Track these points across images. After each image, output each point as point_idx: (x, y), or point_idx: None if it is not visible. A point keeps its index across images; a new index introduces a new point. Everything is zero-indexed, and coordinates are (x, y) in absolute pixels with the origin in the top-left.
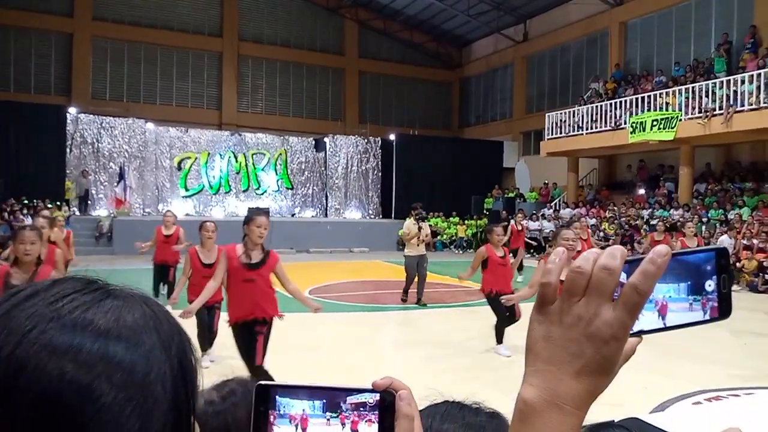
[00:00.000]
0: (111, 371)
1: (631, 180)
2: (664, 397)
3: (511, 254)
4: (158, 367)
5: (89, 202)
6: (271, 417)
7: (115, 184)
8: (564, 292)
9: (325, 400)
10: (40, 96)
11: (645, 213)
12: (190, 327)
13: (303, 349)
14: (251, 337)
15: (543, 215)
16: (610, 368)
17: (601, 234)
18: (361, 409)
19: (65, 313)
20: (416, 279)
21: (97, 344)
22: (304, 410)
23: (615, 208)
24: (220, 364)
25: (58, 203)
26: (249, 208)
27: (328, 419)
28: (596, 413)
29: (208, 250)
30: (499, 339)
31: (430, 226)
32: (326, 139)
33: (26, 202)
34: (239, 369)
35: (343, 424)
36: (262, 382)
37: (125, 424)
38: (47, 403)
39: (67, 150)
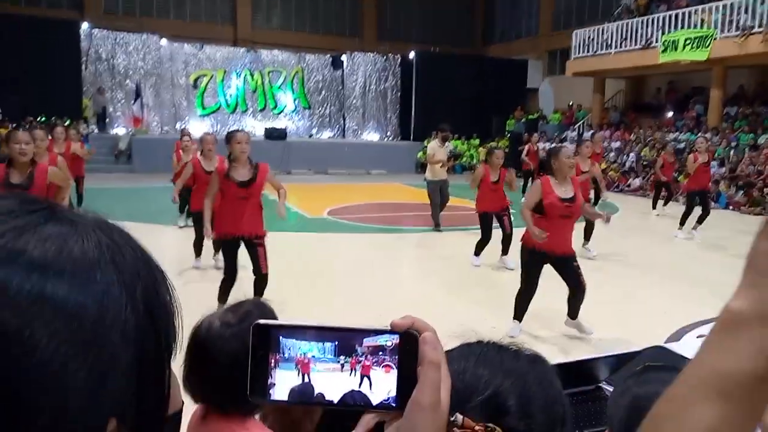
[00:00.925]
0: (49, 316)
1: (659, 102)
2: (682, 324)
3: (521, 175)
4: (116, 310)
5: (107, 120)
6: (272, 361)
7: (132, 102)
8: None
9: (336, 342)
10: (52, 10)
11: (671, 136)
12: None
13: (318, 272)
14: (249, 250)
15: (566, 137)
16: None
17: (631, 158)
18: (380, 353)
19: None
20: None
21: (31, 281)
22: (306, 353)
23: (641, 131)
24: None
25: (75, 121)
26: (266, 128)
27: (342, 364)
28: (615, 338)
29: (209, 159)
30: (477, 252)
31: (450, 150)
32: (344, 57)
33: (43, 120)
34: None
35: (353, 370)
36: (261, 321)
37: (70, 383)
38: None
39: (83, 67)
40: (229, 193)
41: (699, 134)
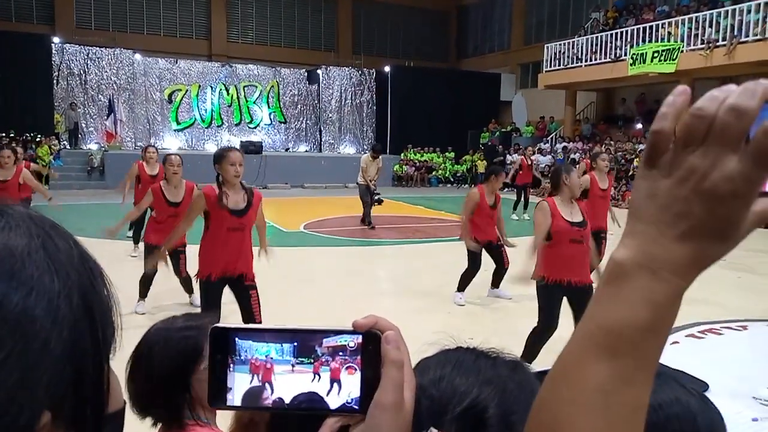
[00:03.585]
0: None
1: (630, 114)
2: None
3: (517, 191)
4: (47, 299)
5: (80, 135)
6: (231, 365)
7: (105, 117)
8: (677, 139)
9: (296, 343)
10: (22, 24)
11: (641, 147)
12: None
13: (295, 282)
14: (238, 294)
15: (539, 149)
16: (727, 232)
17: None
18: (341, 353)
19: None
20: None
21: None
22: (264, 356)
23: (612, 142)
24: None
25: (45, 137)
26: (241, 142)
27: (293, 366)
28: None
29: (174, 186)
30: (462, 287)
31: (425, 161)
32: (319, 71)
33: (13, 136)
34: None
35: (318, 375)
36: (218, 325)
37: None
38: None
39: (54, 82)
40: (222, 224)
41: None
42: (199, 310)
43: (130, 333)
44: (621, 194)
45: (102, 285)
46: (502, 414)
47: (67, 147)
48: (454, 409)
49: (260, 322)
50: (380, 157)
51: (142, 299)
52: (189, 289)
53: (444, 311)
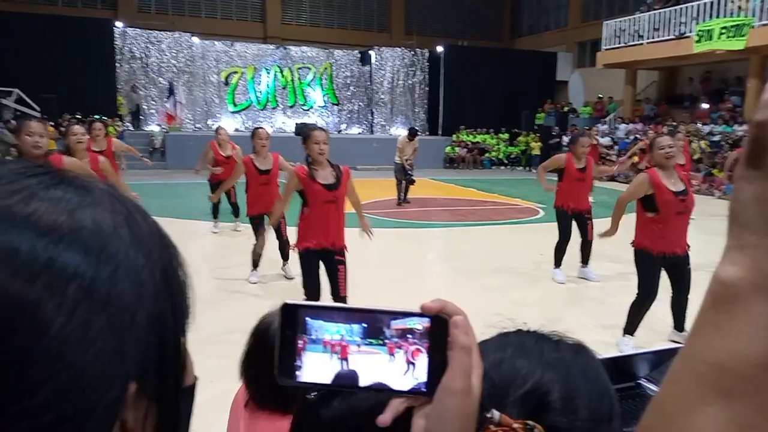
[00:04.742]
0: (61, 284)
1: (693, 94)
2: None
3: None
4: (133, 277)
5: (141, 117)
6: (300, 342)
7: (165, 99)
8: None
9: (365, 325)
10: (87, 10)
11: (706, 128)
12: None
13: (349, 263)
14: (328, 267)
15: (597, 131)
16: None
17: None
18: (409, 336)
19: None
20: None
21: (41, 246)
22: (334, 336)
23: (674, 123)
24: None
25: (109, 119)
26: (296, 124)
27: (360, 346)
28: (654, 333)
29: (263, 157)
30: (558, 263)
31: (477, 142)
32: (372, 52)
33: (79, 117)
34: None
35: (392, 356)
36: (290, 301)
37: (85, 354)
38: None
39: (117, 65)
40: (317, 198)
41: (744, 130)
42: (290, 281)
43: (248, 299)
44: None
45: (179, 264)
46: (566, 398)
47: (130, 128)
48: (516, 391)
49: (344, 295)
50: (416, 138)
51: (255, 269)
52: (285, 255)
53: (499, 293)
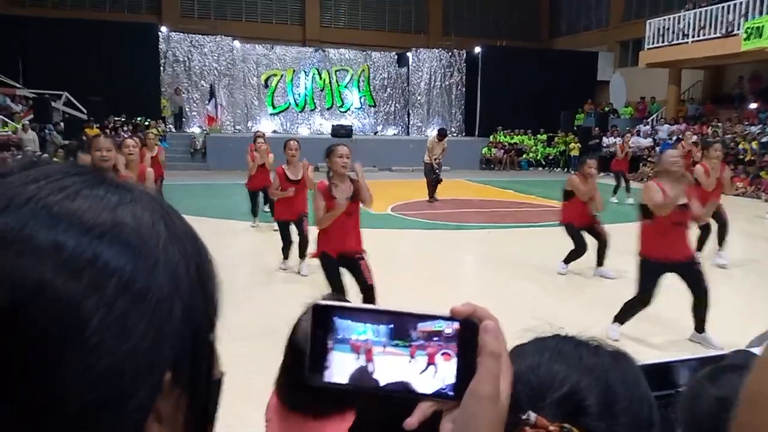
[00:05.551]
0: (103, 279)
1: (741, 93)
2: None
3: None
4: (170, 271)
5: (183, 119)
6: (329, 342)
7: (207, 102)
8: None
9: (392, 326)
10: (132, 15)
11: (754, 129)
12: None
13: (380, 263)
14: (350, 267)
15: (638, 131)
16: None
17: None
18: (435, 339)
19: (43, 196)
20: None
21: (85, 242)
22: (360, 336)
23: (720, 124)
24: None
25: (153, 121)
26: (333, 126)
27: (385, 347)
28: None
29: (293, 166)
30: (567, 261)
31: (515, 143)
32: (409, 54)
33: (124, 119)
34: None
35: (413, 358)
36: (321, 302)
37: (124, 344)
38: (9, 320)
39: (161, 68)
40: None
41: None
42: (303, 278)
43: (277, 287)
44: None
45: (209, 261)
46: (604, 403)
47: (173, 130)
48: (553, 395)
49: (371, 284)
50: (445, 139)
51: (286, 259)
52: (302, 254)
53: (536, 297)
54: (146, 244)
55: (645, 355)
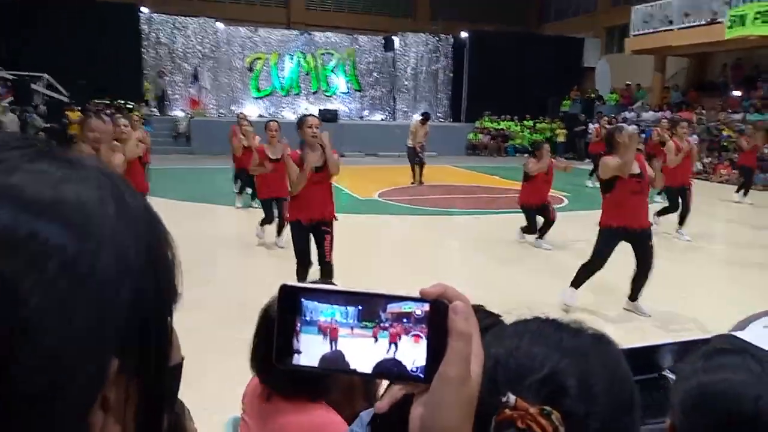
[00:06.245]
0: (41, 258)
1: (725, 81)
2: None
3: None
4: (116, 253)
5: (166, 102)
6: (297, 324)
7: (190, 84)
8: None
9: (360, 307)
10: None
11: (737, 117)
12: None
13: (367, 249)
14: (316, 236)
15: (624, 119)
16: None
17: (693, 140)
18: (405, 320)
19: None
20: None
21: (22, 220)
22: (329, 317)
23: (704, 111)
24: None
25: (135, 104)
26: (319, 110)
27: (353, 329)
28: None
29: (274, 146)
30: (532, 232)
31: (501, 129)
32: (395, 38)
33: (107, 102)
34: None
35: (377, 337)
36: (288, 283)
37: (64, 328)
38: None
39: (143, 51)
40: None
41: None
42: (281, 249)
43: (252, 256)
44: (712, 167)
45: (167, 244)
46: (584, 385)
47: (156, 114)
48: (532, 377)
49: (329, 261)
50: (428, 123)
51: (261, 226)
52: (279, 232)
53: (522, 281)
54: (91, 222)
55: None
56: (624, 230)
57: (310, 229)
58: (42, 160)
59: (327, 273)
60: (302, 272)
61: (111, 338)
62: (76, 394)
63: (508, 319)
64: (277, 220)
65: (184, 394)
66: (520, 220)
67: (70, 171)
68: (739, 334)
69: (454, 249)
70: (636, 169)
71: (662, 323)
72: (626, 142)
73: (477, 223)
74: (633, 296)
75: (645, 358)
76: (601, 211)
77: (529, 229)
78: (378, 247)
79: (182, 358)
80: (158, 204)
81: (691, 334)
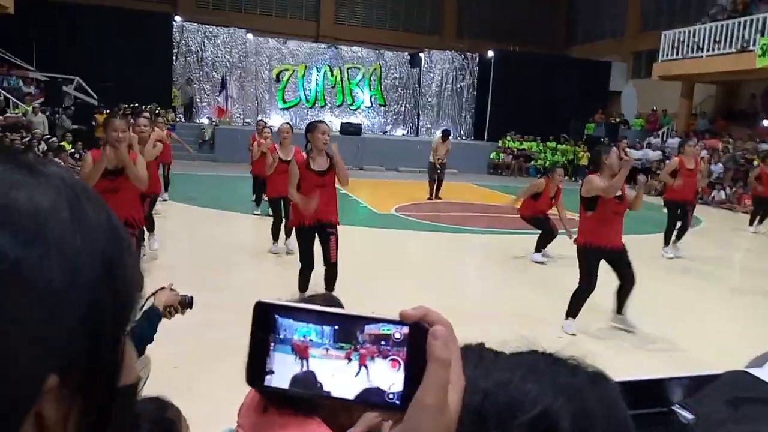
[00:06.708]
0: None
1: (754, 110)
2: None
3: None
4: (66, 263)
5: (194, 110)
6: (271, 344)
7: (218, 93)
8: None
9: (337, 327)
10: (148, 3)
11: (766, 146)
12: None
13: (382, 264)
14: (321, 237)
15: (648, 144)
16: None
17: (718, 168)
18: (383, 343)
19: None
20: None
21: None
22: (307, 336)
23: (730, 140)
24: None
25: (163, 110)
26: (342, 123)
27: (327, 350)
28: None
29: (285, 148)
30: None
31: (523, 149)
32: (422, 55)
33: (135, 106)
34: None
35: (349, 359)
36: (263, 300)
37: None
38: None
39: (174, 58)
40: (308, 182)
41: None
42: (293, 257)
43: (265, 264)
44: (737, 197)
45: (128, 258)
46: (579, 427)
47: (182, 120)
48: (523, 416)
49: (334, 261)
50: (449, 140)
51: (275, 242)
52: (288, 233)
53: (532, 304)
54: (41, 230)
55: (636, 371)
56: (602, 250)
57: (314, 230)
58: (2, 166)
59: (331, 274)
60: (305, 274)
61: (53, 352)
62: (5, 411)
63: (506, 349)
64: (284, 220)
65: (194, 401)
66: (534, 240)
67: (27, 177)
68: (755, 371)
69: (464, 267)
70: (618, 192)
71: (670, 348)
72: (612, 164)
73: (490, 242)
74: (619, 310)
75: (653, 391)
76: (580, 230)
77: (547, 238)
78: (389, 262)
79: (138, 379)
80: (179, 209)
81: (702, 365)
